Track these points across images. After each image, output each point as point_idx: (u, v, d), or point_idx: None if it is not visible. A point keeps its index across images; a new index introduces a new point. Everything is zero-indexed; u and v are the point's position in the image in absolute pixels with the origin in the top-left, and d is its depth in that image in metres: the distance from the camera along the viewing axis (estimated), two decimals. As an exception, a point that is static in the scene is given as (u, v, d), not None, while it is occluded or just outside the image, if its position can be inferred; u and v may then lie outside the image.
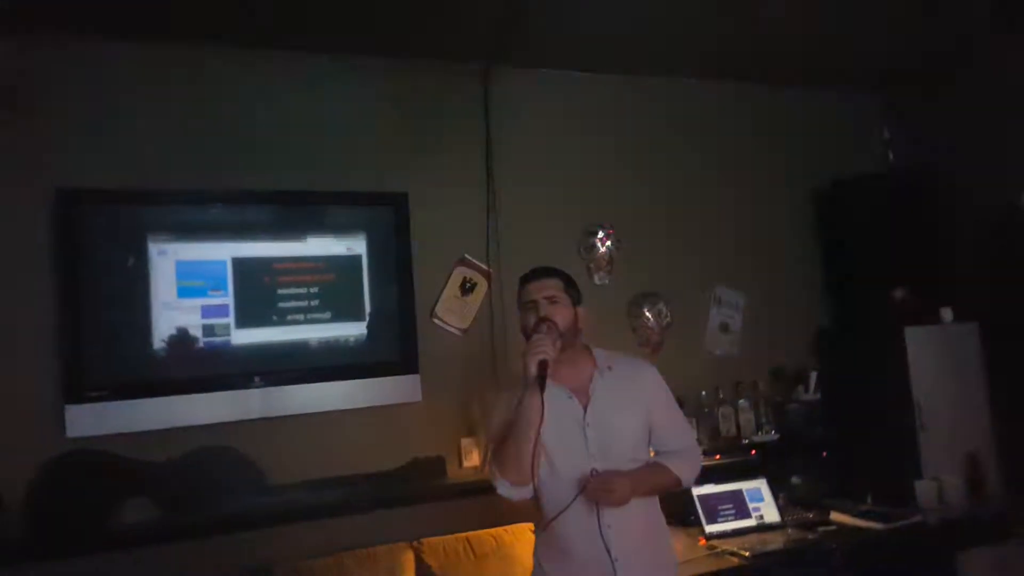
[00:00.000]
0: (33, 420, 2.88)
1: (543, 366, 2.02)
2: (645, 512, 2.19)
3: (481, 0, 3.02)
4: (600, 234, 3.79)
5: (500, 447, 2.14)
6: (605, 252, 3.80)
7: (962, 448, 3.68)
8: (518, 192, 3.65)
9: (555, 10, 3.15)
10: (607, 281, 3.81)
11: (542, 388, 2.00)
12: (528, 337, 2.15)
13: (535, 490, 2.12)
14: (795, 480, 3.75)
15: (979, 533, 3.41)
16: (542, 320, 2.13)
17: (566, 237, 3.76)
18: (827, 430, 3.92)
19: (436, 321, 3.48)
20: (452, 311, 3.51)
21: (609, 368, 2.23)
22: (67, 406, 2.91)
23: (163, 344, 3.09)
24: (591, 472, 2.10)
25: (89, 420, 2.94)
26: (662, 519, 2.29)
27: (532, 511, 2.28)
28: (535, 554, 2.27)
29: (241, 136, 3.28)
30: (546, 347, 2.05)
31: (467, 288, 3.54)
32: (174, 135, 3.18)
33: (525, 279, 2.26)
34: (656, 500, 2.27)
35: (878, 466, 3.71)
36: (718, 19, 3.34)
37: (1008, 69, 3.83)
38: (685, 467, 2.23)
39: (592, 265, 3.79)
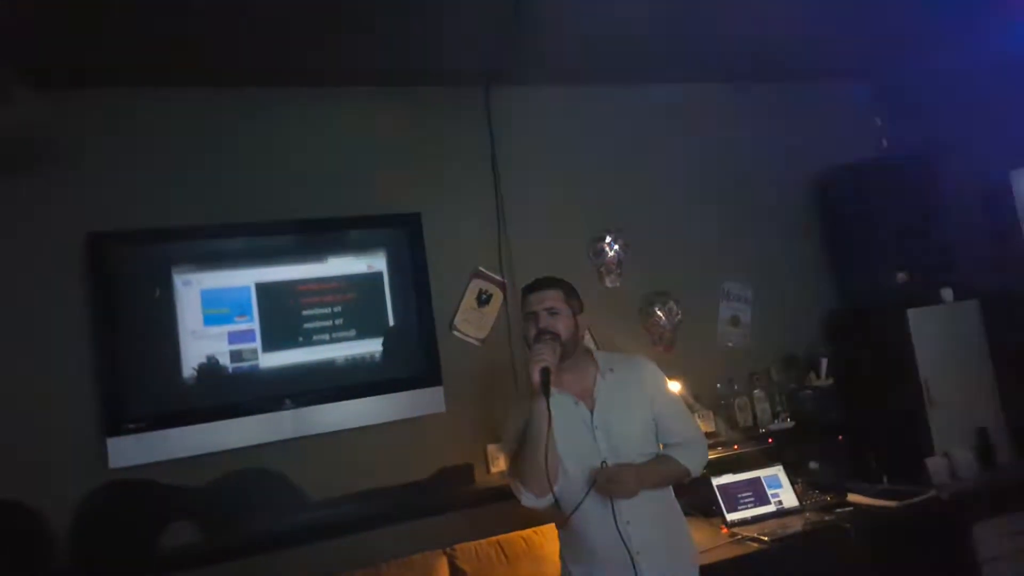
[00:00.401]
0: (77, 453, 2.99)
1: (545, 373, 2.13)
2: (660, 506, 2.30)
3: (478, 24, 3.12)
4: (607, 238, 3.90)
5: (517, 460, 2.24)
6: (614, 256, 3.90)
7: (971, 423, 3.79)
8: (525, 203, 3.77)
9: (547, 30, 3.24)
10: (618, 284, 3.91)
11: (547, 394, 2.11)
12: (531, 346, 2.26)
13: (555, 496, 2.20)
14: (813, 465, 3.83)
15: (992, 504, 3.51)
16: (542, 331, 2.24)
17: (575, 244, 3.87)
18: (841, 414, 4.02)
19: (456, 333, 3.59)
20: (470, 322, 3.62)
21: (611, 370, 2.34)
22: (108, 438, 3.03)
23: (193, 372, 3.19)
24: (602, 463, 2.20)
25: (129, 451, 3.05)
26: (679, 511, 2.40)
27: (554, 513, 2.34)
28: (561, 555, 2.38)
29: (257, 170, 3.40)
30: (546, 356, 2.16)
31: (483, 299, 3.65)
32: (194, 174, 3.30)
33: (527, 290, 2.37)
34: (671, 493, 2.38)
35: (891, 446, 3.81)
36: (706, 24, 3.43)
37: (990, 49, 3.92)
38: (692, 457, 2.33)
39: (602, 269, 3.89)
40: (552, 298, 2.31)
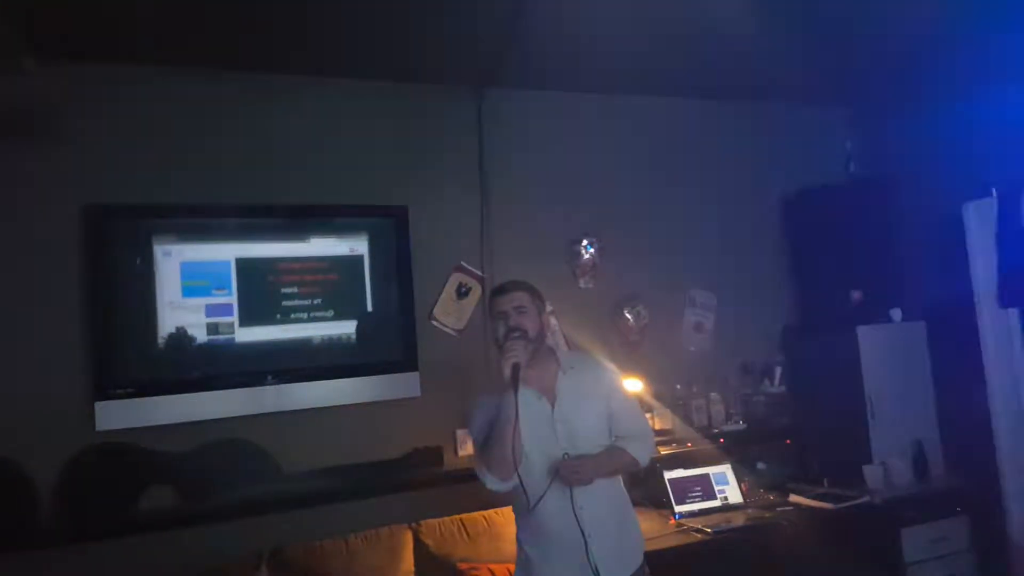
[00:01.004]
0: (66, 415, 3.15)
1: (516, 368, 2.31)
2: (611, 493, 2.51)
3: (475, 27, 3.29)
4: (584, 242, 4.09)
5: (484, 446, 2.42)
6: (589, 259, 4.10)
7: (909, 435, 4.06)
8: (509, 204, 3.96)
9: (541, 38, 3.43)
10: (591, 285, 4.12)
11: (516, 388, 2.29)
12: (500, 344, 2.43)
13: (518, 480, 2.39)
14: (760, 466, 4.09)
15: (921, 511, 3.79)
16: (513, 329, 2.42)
17: (553, 245, 4.07)
18: (790, 420, 4.29)
19: (434, 323, 3.78)
20: (449, 313, 3.81)
21: (571, 368, 2.53)
22: (96, 403, 3.18)
23: (164, 341, 3.31)
24: (564, 455, 2.40)
25: (116, 415, 3.20)
26: (628, 500, 2.61)
27: (515, 497, 2.53)
28: (518, 539, 2.57)
29: (251, 154, 3.54)
30: (518, 352, 2.34)
31: (463, 292, 3.84)
32: (186, 154, 3.43)
33: (495, 292, 2.54)
34: (620, 484, 2.58)
35: (833, 452, 4.07)
36: (691, 43, 3.63)
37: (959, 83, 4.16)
38: (640, 449, 2.52)
39: (577, 271, 4.10)
40: (519, 298, 2.47)
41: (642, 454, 2.53)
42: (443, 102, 3.90)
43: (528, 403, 2.38)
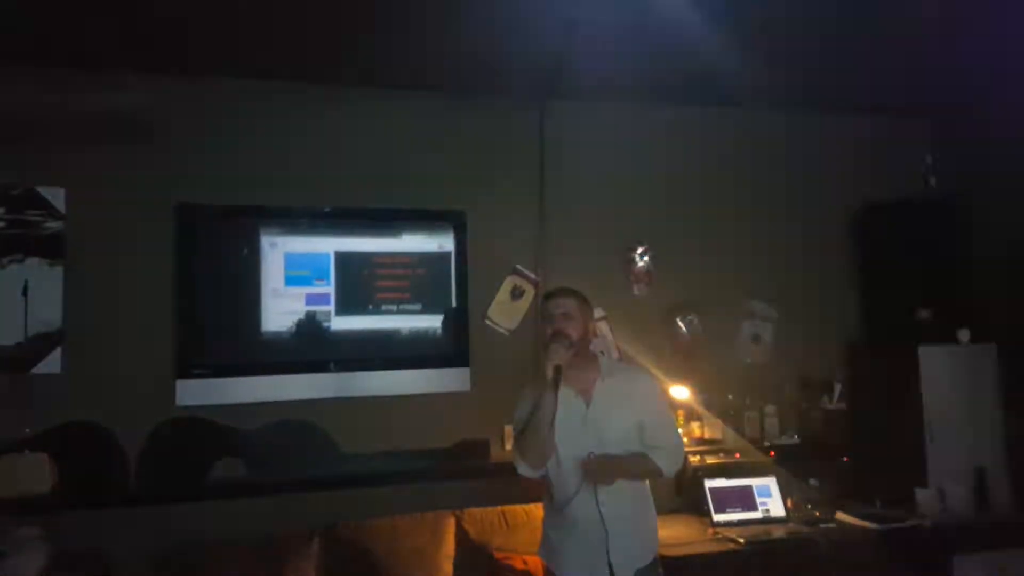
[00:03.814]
0: (151, 389, 3.52)
1: (557, 370, 2.49)
2: (634, 494, 2.65)
3: (533, 47, 3.48)
4: (639, 249, 4.18)
5: (521, 436, 2.61)
6: (643, 266, 4.19)
7: (972, 461, 3.92)
8: (566, 211, 4.10)
9: (598, 53, 3.56)
10: (645, 293, 4.20)
11: (556, 388, 2.47)
12: (547, 345, 2.60)
13: (547, 472, 2.60)
14: (812, 482, 4.04)
15: (978, 540, 3.66)
16: (557, 333, 2.58)
17: (608, 252, 4.18)
18: (847, 438, 4.22)
19: (488, 322, 3.97)
20: (502, 314, 3.99)
21: (610, 375, 2.68)
22: (177, 380, 3.54)
23: (277, 327, 3.66)
24: (589, 454, 2.56)
25: (195, 392, 3.56)
26: (650, 502, 2.74)
27: (545, 490, 2.74)
28: (544, 523, 2.75)
29: (332, 161, 3.85)
30: (560, 355, 2.51)
31: (516, 294, 4.01)
32: (276, 159, 3.77)
33: (546, 297, 2.75)
34: (645, 485, 2.72)
35: (890, 473, 3.98)
36: (758, 52, 3.60)
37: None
38: (667, 460, 2.65)
39: (632, 278, 4.19)
40: (567, 305, 2.65)
41: (667, 465, 2.66)
42: (507, 114, 4.09)
43: (566, 401, 2.56)
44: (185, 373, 3.56)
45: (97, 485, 3.43)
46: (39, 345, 3.42)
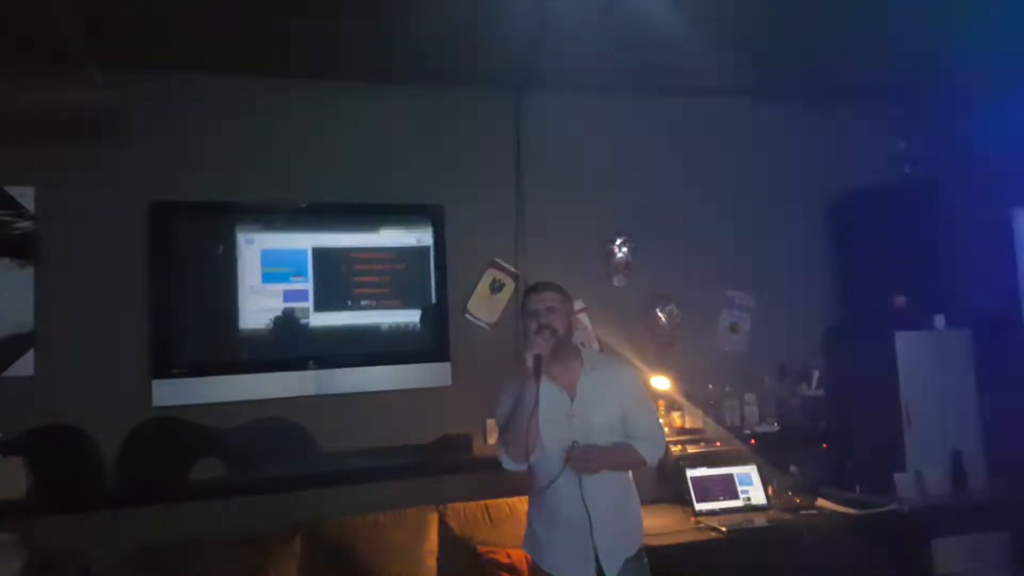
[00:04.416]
0: (127, 390, 3.47)
1: (538, 359, 2.48)
2: (617, 484, 2.66)
3: (507, 31, 3.41)
4: (618, 241, 4.18)
5: (504, 430, 2.61)
6: (623, 257, 4.19)
7: (949, 445, 3.97)
8: (545, 203, 4.09)
9: (575, 41, 3.53)
10: (624, 284, 4.20)
11: (538, 377, 2.46)
12: (528, 337, 2.59)
13: (530, 465, 2.56)
14: (793, 469, 4.08)
15: (957, 522, 3.71)
16: (543, 327, 2.58)
17: (588, 244, 4.17)
18: (826, 424, 4.25)
19: (468, 316, 3.95)
20: (482, 307, 3.97)
21: (593, 368, 2.68)
22: (154, 380, 3.49)
23: (255, 325, 3.61)
24: (574, 442, 2.56)
25: (171, 392, 3.51)
26: (634, 492, 2.75)
27: (529, 483, 2.73)
28: (528, 516, 2.74)
29: (307, 156, 3.81)
30: (540, 345, 2.51)
31: (496, 287, 3.99)
32: (251, 155, 3.73)
33: (529, 291, 2.73)
34: (629, 475, 2.73)
35: (869, 459, 4.03)
36: (732, 42, 3.61)
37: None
38: (650, 450, 2.66)
39: (611, 269, 4.19)
40: (552, 299, 2.65)
41: (650, 454, 2.68)
42: (482, 104, 4.07)
43: (549, 395, 2.56)
44: (162, 373, 3.50)
45: (74, 488, 3.38)
46: (10, 347, 3.36)
